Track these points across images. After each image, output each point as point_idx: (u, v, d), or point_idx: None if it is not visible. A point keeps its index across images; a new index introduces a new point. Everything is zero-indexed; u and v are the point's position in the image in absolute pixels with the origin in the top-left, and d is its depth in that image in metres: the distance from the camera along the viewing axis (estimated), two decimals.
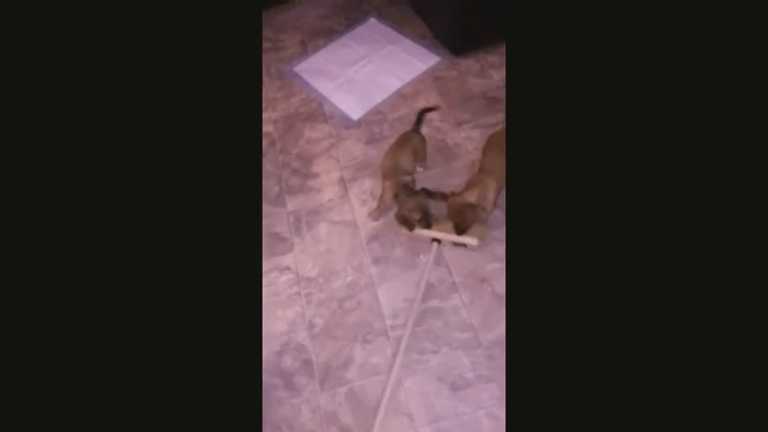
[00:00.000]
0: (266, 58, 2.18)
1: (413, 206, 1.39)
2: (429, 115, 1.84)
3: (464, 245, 1.42)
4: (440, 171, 1.66)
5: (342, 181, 1.71)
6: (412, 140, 1.56)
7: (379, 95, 1.94)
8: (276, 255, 1.56)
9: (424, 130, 1.78)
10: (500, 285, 1.38)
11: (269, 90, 2.06)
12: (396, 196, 1.44)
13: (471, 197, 1.36)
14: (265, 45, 2.24)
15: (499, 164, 1.39)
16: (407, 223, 1.40)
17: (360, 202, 1.65)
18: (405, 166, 1.50)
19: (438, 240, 1.45)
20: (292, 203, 1.69)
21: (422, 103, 1.88)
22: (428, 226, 1.40)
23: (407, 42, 2.11)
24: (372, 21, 2.25)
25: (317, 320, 1.42)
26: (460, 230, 1.36)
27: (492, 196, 1.38)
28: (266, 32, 2.30)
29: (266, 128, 1.91)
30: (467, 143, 1.71)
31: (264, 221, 1.65)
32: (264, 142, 1.87)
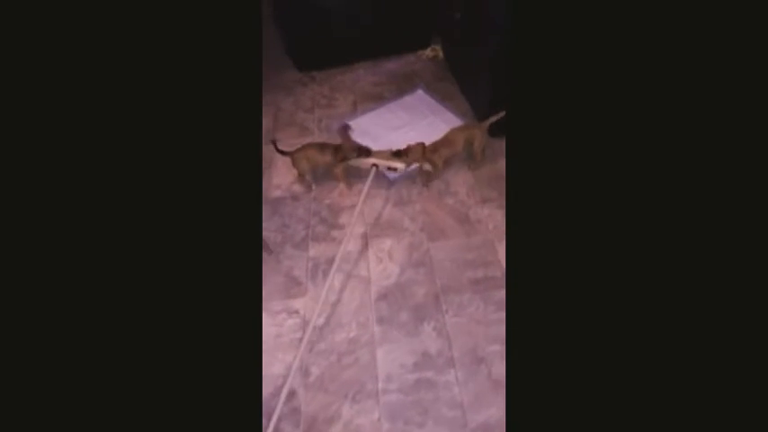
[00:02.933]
0: (319, 113, 2.39)
1: (348, 147, 1.91)
2: (456, 186, 1.92)
3: (395, 168, 1.91)
4: (458, 243, 1.71)
5: (364, 236, 1.80)
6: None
7: None
8: (289, 297, 1.64)
9: (450, 200, 1.84)
10: (497, 369, 1.36)
11: (315, 141, 2.23)
12: (336, 150, 1.91)
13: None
14: (321, 101, 2.46)
15: (448, 142, 1.92)
16: (350, 155, 1.91)
17: (377, 259, 1.72)
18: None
19: (376, 165, 1.91)
20: (314, 250, 1.78)
21: (452, 174, 1.97)
22: (369, 154, 1.90)
23: (449, 116, 2.25)
24: (420, 92, 2.43)
25: (314, 369, 1.45)
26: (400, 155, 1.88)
27: (439, 162, 1.92)
28: (323, 90, 2.53)
29: (306, 175, 2.06)
30: (488, 221, 1.77)
31: (286, 263, 1.74)
32: (300, 189, 2.01)
